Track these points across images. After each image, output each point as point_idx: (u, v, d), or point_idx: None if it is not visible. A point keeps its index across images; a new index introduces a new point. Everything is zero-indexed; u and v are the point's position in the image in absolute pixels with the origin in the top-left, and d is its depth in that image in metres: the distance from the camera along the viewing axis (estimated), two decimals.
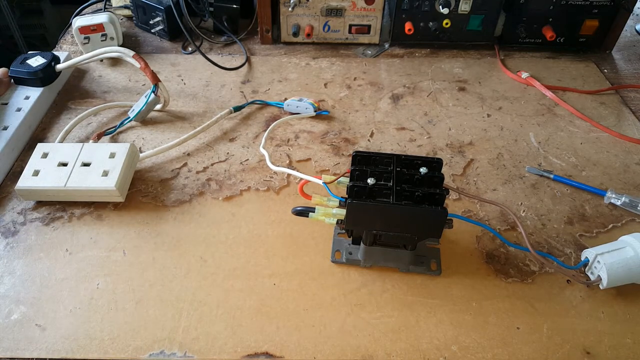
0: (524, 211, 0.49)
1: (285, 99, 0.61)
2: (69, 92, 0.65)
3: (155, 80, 0.57)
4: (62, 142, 0.55)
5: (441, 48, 0.74)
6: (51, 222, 0.48)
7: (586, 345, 0.39)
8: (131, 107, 0.59)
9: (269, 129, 0.56)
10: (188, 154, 0.55)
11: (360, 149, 0.56)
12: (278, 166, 0.48)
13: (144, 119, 0.60)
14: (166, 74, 0.68)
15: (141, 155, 0.53)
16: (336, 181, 0.41)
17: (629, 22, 0.76)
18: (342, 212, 0.39)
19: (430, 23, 0.70)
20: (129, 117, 0.57)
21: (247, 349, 0.38)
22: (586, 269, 0.43)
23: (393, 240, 0.41)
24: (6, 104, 0.58)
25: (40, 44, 1.56)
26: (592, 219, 0.49)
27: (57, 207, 0.49)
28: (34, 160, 0.49)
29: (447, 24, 0.70)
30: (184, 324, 0.40)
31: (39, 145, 0.51)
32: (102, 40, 0.70)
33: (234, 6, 0.74)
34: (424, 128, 0.59)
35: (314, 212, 0.40)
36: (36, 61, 0.61)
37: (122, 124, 0.57)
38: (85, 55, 0.61)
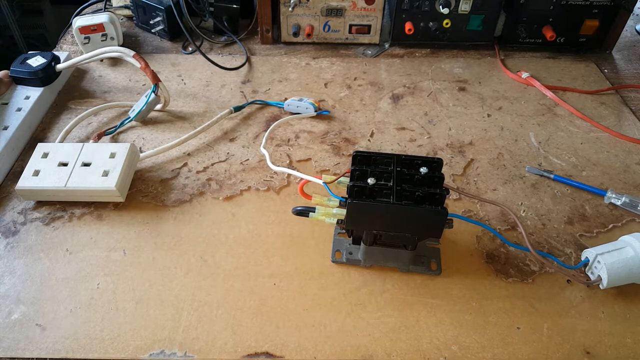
0: (524, 211, 0.49)
1: (286, 99, 0.61)
2: (69, 92, 0.65)
3: (156, 80, 0.57)
4: (62, 142, 0.55)
5: (441, 48, 0.74)
6: (51, 222, 0.48)
7: (586, 345, 0.39)
8: (131, 107, 0.59)
9: (270, 129, 0.56)
10: (188, 154, 0.55)
11: (361, 149, 0.56)
12: (278, 166, 0.48)
13: (144, 119, 0.60)
14: (166, 74, 0.68)
15: (141, 155, 0.53)
16: (336, 181, 0.41)
17: (629, 22, 0.76)
18: (342, 212, 0.39)
19: (431, 23, 0.70)
20: (129, 117, 0.57)
21: (247, 348, 0.38)
22: (586, 269, 0.43)
23: (393, 240, 0.41)
24: (6, 104, 0.58)
25: (40, 44, 1.56)
26: (592, 219, 0.49)
27: (57, 207, 0.49)
28: (34, 160, 0.49)
29: (447, 24, 0.70)
30: (184, 323, 0.40)
31: (39, 145, 0.51)
32: (102, 40, 0.70)
33: (234, 6, 0.74)
34: (424, 128, 0.59)
35: (314, 212, 0.41)
36: (36, 61, 0.61)
37: (122, 124, 0.57)
38: (85, 55, 0.61)
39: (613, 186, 0.51)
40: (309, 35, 0.72)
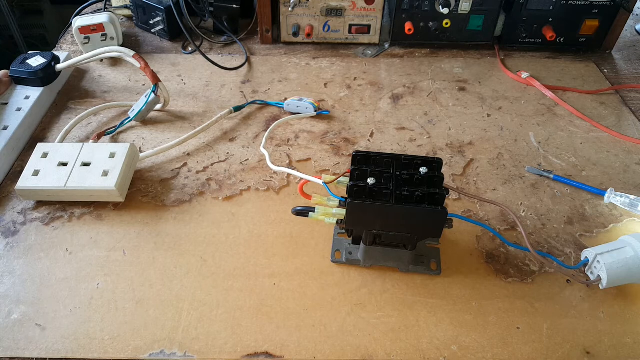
0: (524, 211, 0.49)
1: (286, 99, 0.61)
2: (69, 92, 0.65)
3: (155, 80, 0.57)
4: (62, 142, 0.55)
5: (441, 48, 0.74)
6: (51, 222, 0.48)
7: (586, 345, 0.39)
8: (131, 107, 0.59)
9: (270, 129, 0.56)
10: (188, 154, 0.55)
11: (360, 149, 0.56)
12: (278, 166, 0.48)
13: (144, 119, 0.60)
14: (166, 74, 0.68)
15: (141, 155, 0.53)
16: (336, 181, 0.41)
17: (629, 22, 0.77)
18: (342, 212, 0.39)
19: (430, 23, 0.70)
20: (129, 117, 0.57)
21: (247, 348, 0.38)
22: (586, 269, 0.43)
23: (393, 240, 0.41)
24: (6, 104, 0.58)
25: (40, 44, 1.56)
26: (592, 218, 0.49)
27: (57, 207, 0.49)
28: (34, 160, 0.49)
29: (447, 24, 0.70)
30: (184, 323, 0.40)
31: (39, 145, 0.51)
32: (102, 40, 0.70)
33: (234, 6, 0.74)
34: (424, 128, 0.59)
35: (314, 212, 0.41)
36: (36, 61, 0.61)
37: (122, 124, 0.57)
38: (85, 55, 0.61)
39: (613, 186, 0.51)
40: (308, 35, 0.72)
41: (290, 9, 0.69)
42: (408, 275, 0.43)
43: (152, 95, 0.57)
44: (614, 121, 0.61)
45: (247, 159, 0.55)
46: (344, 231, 0.45)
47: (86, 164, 0.49)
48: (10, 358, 0.38)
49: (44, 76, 0.61)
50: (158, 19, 0.73)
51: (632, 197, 0.49)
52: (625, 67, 0.71)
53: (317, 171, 0.54)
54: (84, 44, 0.69)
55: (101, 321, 0.40)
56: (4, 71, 0.60)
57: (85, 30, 0.68)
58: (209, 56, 0.67)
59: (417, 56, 0.73)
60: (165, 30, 0.74)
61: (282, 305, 0.41)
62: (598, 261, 0.41)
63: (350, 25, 0.72)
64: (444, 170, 0.40)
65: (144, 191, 0.51)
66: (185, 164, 0.54)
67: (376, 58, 0.72)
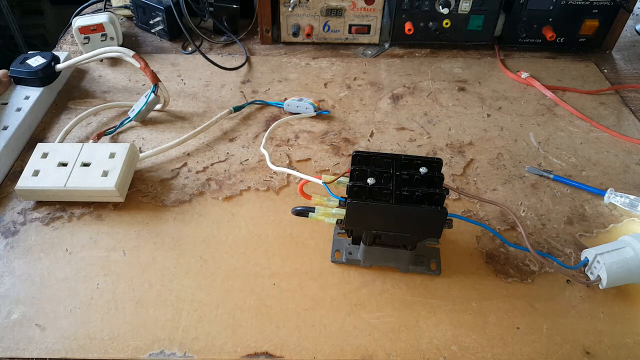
0: (523, 211, 0.49)
1: (285, 99, 0.61)
2: (69, 92, 0.65)
3: (155, 80, 0.57)
4: (62, 142, 0.55)
5: (441, 48, 0.74)
6: (51, 222, 0.48)
7: (586, 345, 0.39)
8: (131, 107, 0.59)
9: (269, 129, 0.56)
10: (188, 154, 0.55)
11: (360, 149, 0.56)
12: (278, 166, 0.48)
13: (144, 119, 0.60)
14: (166, 74, 0.68)
15: (141, 155, 0.53)
16: (336, 181, 0.41)
17: (629, 22, 0.76)
18: (342, 212, 0.39)
19: (430, 23, 0.70)
20: (129, 117, 0.57)
21: (247, 348, 0.38)
22: (586, 269, 0.43)
23: (393, 240, 0.41)
24: (6, 104, 0.58)
25: (40, 44, 1.56)
26: (592, 218, 0.49)
27: (57, 207, 0.49)
28: (34, 160, 0.49)
29: (447, 24, 0.70)
30: (184, 324, 0.40)
31: (39, 145, 0.51)
32: (102, 40, 0.70)
33: (234, 6, 0.74)
34: (424, 128, 0.59)
35: (313, 212, 0.41)
36: (36, 61, 0.61)
37: (122, 124, 0.57)
38: (85, 55, 0.61)
39: (613, 186, 0.51)
40: (308, 35, 0.72)
41: (290, 9, 0.69)
42: (408, 276, 0.43)
43: (152, 95, 0.57)
44: (614, 121, 0.61)
45: (247, 159, 0.55)
46: (343, 231, 0.45)
47: (86, 164, 0.49)
48: (10, 358, 0.38)
49: (44, 76, 0.61)
50: (158, 19, 0.73)
51: (632, 197, 0.49)
52: (625, 67, 0.71)
53: (317, 171, 0.54)
54: (84, 44, 0.69)
55: (101, 321, 0.40)
56: (3, 71, 0.60)
57: (85, 30, 0.68)
58: (208, 56, 0.67)
59: (417, 56, 0.73)
60: (165, 30, 0.74)
61: (282, 305, 0.41)
62: (598, 261, 0.41)
63: (350, 25, 0.72)
64: (443, 170, 0.40)
65: (144, 191, 0.51)
66: (185, 164, 0.54)
67: (376, 58, 0.72)
